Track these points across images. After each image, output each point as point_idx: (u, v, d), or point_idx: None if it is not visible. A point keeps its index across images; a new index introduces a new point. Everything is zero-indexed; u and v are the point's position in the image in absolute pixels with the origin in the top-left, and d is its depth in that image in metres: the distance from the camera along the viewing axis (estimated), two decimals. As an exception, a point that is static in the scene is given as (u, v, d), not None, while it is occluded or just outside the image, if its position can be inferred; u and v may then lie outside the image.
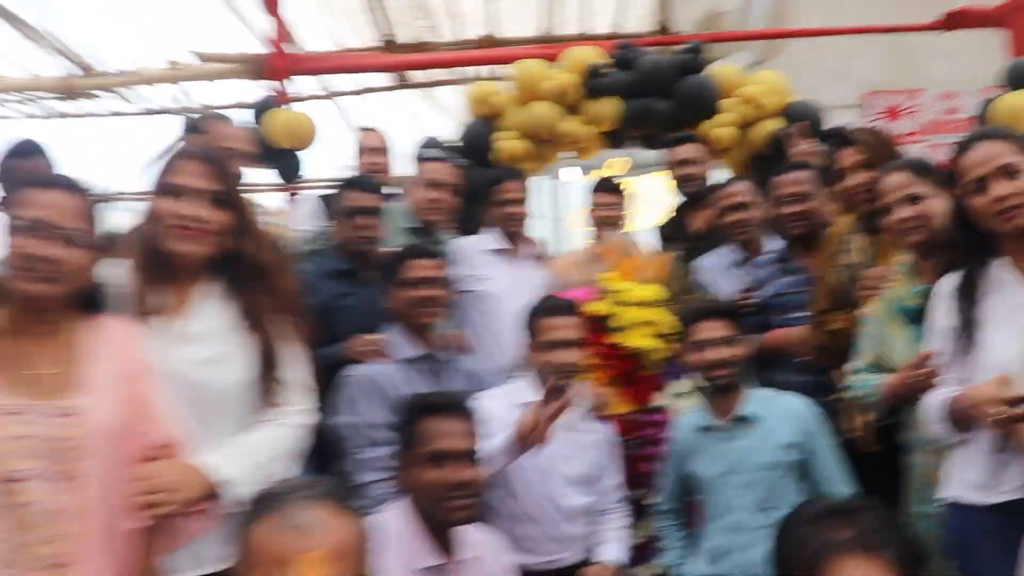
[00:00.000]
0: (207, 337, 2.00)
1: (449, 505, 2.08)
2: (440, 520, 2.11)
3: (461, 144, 4.27)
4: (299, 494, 1.38)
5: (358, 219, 2.99)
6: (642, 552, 3.11)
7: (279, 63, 4.71)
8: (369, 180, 3.31)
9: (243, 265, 2.04)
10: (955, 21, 4.45)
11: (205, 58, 5.20)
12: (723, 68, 4.40)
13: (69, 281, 1.69)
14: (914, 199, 2.41)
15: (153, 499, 1.76)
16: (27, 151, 2.52)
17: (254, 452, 1.95)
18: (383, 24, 7.58)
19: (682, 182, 3.99)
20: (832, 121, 4.65)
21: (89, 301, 1.78)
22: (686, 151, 3.97)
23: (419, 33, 7.78)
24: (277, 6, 4.75)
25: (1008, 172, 2.03)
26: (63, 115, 8.68)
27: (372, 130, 4.01)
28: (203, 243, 1.96)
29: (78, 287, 1.73)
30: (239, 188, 2.04)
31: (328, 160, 5.66)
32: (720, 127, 4.17)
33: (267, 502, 1.38)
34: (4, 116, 8.95)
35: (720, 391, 2.63)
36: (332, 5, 7.20)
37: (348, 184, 3.11)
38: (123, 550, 1.75)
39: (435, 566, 2.10)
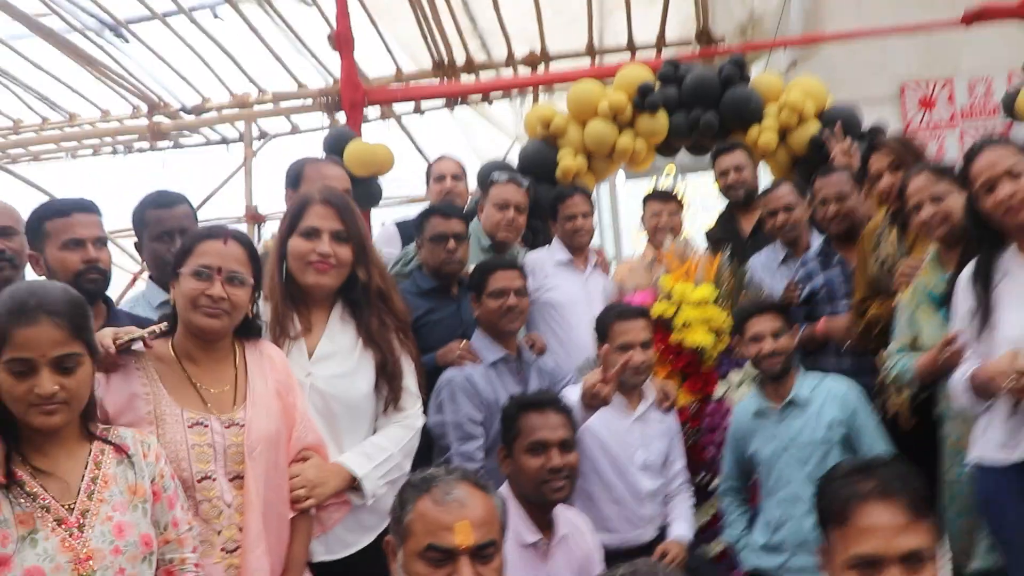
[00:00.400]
0: (335, 355, 2.39)
1: (548, 487, 2.44)
2: (539, 501, 2.47)
3: (524, 164, 4.62)
4: (447, 476, 1.76)
5: (450, 243, 3.32)
6: (707, 531, 3.43)
7: (355, 96, 5.10)
8: (454, 206, 3.64)
9: (361, 290, 2.43)
10: (975, 17, 4.70)
11: (281, 96, 5.62)
12: (764, 77, 4.69)
13: (236, 316, 2.09)
14: (936, 199, 2.72)
15: (301, 493, 2.16)
16: (170, 201, 2.86)
17: (382, 451, 2.35)
18: (438, 47, 7.94)
19: (730, 188, 4.27)
20: (870, 114, 4.92)
21: (245, 328, 2.18)
22: (733, 159, 4.25)
23: (472, 53, 8.14)
24: (351, 48, 5.13)
25: (1012, 175, 2.34)
26: (130, 150, 9.32)
27: (447, 157, 4.35)
28: (334, 276, 2.37)
29: (240, 319, 2.13)
30: (357, 224, 2.43)
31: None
32: (763, 133, 4.46)
33: (423, 484, 1.76)
34: (80, 155, 9.62)
35: (773, 379, 2.95)
36: (388, 32, 7.60)
37: (436, 212, 3.44)
38: (280, 538, 2.14)
39: (534, 542, 2.46)
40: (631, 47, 7.98)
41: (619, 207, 9.07)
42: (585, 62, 8.07)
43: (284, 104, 6.11)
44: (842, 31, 5.78)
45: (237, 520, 2.06)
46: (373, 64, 7.85)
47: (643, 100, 4.47)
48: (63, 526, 1.72)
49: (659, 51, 7.97)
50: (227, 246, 2.09)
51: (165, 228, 2.82)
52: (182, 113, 8.23)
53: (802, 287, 3.58)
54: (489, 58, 8.27)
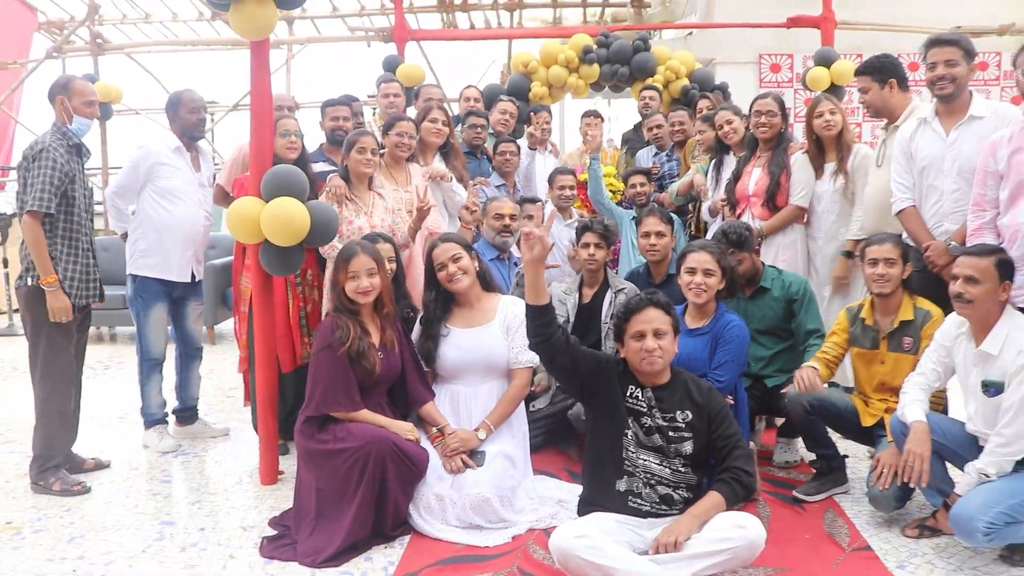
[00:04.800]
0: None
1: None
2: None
3: (511, 89, 7.62)
4: (500, 195, 4.88)
5: (478, 129, 6.30)
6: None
7: (403, 35, 8.01)
8: (480, 111, 6.62)
9: (450, 147, 5.44)
10: (793, 22, 7.79)
11: (352, 30, 8.48)
12: (658, 48, 7.75)
13: (409, 152, 5.09)
14: (703, 131, 5.81)
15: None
16: (350, 99, 5.81)
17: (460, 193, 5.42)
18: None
19: (645, 107, 7.25)
20: (737, 74, 8.02)
21: (409, 157, 5.17)
22: (650, 93, 7.25)
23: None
24: (402, 1, 8.02)
25: (728, 121, 5.44)
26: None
27: (473, 86, 7.30)
28: (442, 139, 5.36)
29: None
30: (449, 117, 5.42)
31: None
32: (654, 83, 7.54)
33: (492, 199, 4.88)
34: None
35: (640, 207, 6.04)
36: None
37: (470, 114, 6.43)
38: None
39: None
40: (584, 3, 10.95)
41: (565, 118, 12.30)
42: (549, 12, 11.07)
43: (355, 34, 8.95)
44: (723, 21, 8.86)
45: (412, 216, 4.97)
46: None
47: (585, 56, 7.52)
48: (366, 216, 4.68)
49: (603, 7, 10.98)
50: (408, 123, 5.04)
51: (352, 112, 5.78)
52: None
53: (659, 170, 6.72)
54: (479, 0, 11.15)
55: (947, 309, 3.53)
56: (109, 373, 7.20)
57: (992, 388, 3.25)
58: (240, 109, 10.24)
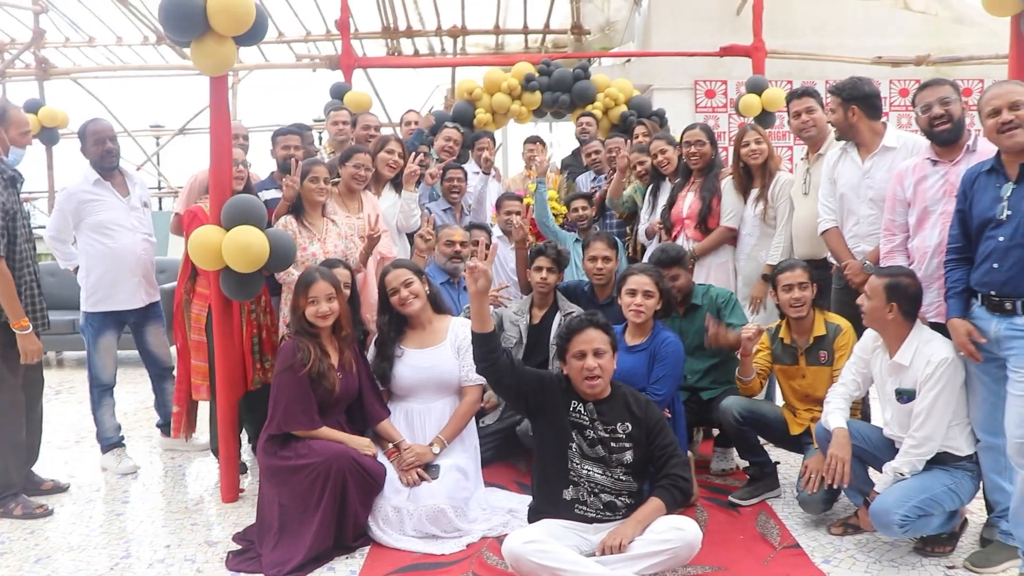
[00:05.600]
0: (391, 199, 5.60)
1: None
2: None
3: (455, 115, 7.87)
4: (449, 223, 5.11)
5: (421, 156, 6.49)
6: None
7: (350, 63, 8.22)
8: (422, 134, 6.84)
9: (400, 176, 5.64)
10: (726, 51, 8.17)
11: (299, 56, 8.66)
12: (597, 76, 8.06)
13: (366, 182, 5.30)
14: (642, 162, 6.10)
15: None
16: (301, 129, 5.99)
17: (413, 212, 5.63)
18: (386, 15, 10.98)
19: (583, 133, 7.54)
20: (674, 98, 8.36)
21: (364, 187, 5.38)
22: (587, 119, 7.54)
23: (411, 21, 11.22)
24: (348, 26, 8.22)
25: (662, 151, 5.74)
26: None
27: (413, 111, 7.53)
28: (395, 170, 5.54)
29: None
30: (405, 149, 5.62)
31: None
32: (594, 110, 7.85)
33: (441, 226, 5.12)
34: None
35: (582, 230, 6.30)
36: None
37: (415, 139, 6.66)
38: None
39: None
40: (526, 30, 11.26)
41: (508, 143, 12.57)
42: (491, 38, 11.36)
43: (304, 62, 9.10)
44: (659, 49, 9.22)
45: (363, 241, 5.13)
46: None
47: (527, 84, 7.80)
48: (320, 242, 4.87)
49: (544, 34, 11.31)
50: (365, 156, 5.24)
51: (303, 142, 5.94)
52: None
53: (596, 191, 7.01)
54: (423, 27, 11.39)
55: (859, 322, 3.86)
56: (60, 398, 7.24)
57: (904, 396, 3.57)
58: (187, 133, 10.30)
